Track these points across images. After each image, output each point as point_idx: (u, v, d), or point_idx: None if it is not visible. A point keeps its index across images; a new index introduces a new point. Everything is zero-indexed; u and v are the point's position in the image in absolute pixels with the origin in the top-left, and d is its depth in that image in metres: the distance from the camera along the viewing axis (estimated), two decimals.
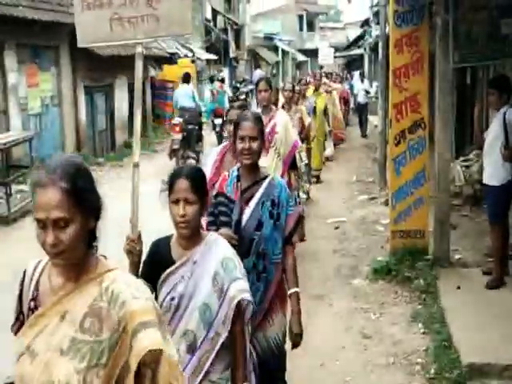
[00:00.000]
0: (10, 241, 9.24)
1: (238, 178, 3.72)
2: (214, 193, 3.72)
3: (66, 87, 15.65)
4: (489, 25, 6.58)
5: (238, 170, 3.76)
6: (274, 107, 6.71)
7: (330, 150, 15.18)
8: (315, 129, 11.24)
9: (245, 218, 3.59)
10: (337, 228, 9.52)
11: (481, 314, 5.76)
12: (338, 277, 7.44)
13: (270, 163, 5.98)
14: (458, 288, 6.40)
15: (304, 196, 9.19)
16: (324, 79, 17.53)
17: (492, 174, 6.35)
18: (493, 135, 6.37)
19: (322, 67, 31.05)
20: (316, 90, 13.35)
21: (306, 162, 8.78)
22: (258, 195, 3.62)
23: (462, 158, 10.07)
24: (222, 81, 23.07)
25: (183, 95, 16.14)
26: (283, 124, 6.46)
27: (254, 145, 3.57)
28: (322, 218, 10.02)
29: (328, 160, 15.03)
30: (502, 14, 6.50)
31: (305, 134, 9.05)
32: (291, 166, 6.61)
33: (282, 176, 6.24)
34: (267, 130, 6.09)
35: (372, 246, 8.42)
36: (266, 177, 3.68)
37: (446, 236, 7.13)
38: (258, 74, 20.19)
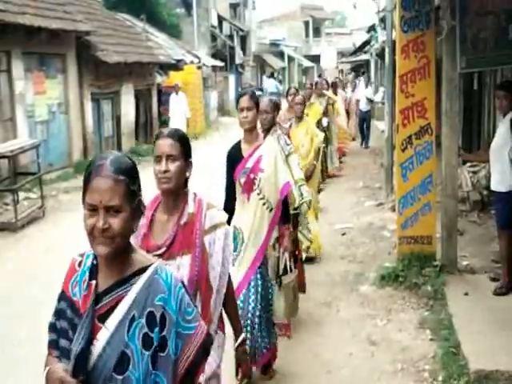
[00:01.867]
0: (18, 248, 9.27)
1: (94, 269, 2.13)
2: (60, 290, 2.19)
3: (73, 94, 15.71)
4: (496, 30, 6.54)
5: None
6: (260, 132, 5.07)
7: (334, 166, 14.11)
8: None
9: (97, 348, 2.01)
10: (344, 234, 9.50)
11: (489, 320, 5.72)
12: (345, 283, 7.42)
13: (252, 212, 4.81)
14: (466, 294, 6.36)
15: (307, 243, 7.51)
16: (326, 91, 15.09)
17: (499, 180, 6.30)
18: (500, 141, 6.33)
19: (320, 75, 30.47)
20: (308, 99, 10.89)
21: (309, 197, 6.21)
22: (123, 306, 2.03)
23: (469, 164, 10.04)
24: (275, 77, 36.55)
25: (270, 84, 32.81)
26: (271, 156, 4.87)
27: (115, 221, 2.00)
28: (328, 224, 9.99)
29: (332, 176, 14.08)
30: (510, 18, 6.47)
31: None
32: (283, 217, 4.98)
33: (270, 232, 4.90)
34: (249, 165, 4.80)
35: (379, 252, 8.38)
36: (144, 269, 2.08)
37: (454, 242, 7.10)
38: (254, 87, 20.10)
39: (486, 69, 9.47)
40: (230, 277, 3.12)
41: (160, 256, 2.75)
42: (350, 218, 10.48)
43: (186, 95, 22.34)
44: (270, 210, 4.85)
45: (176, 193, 2.96)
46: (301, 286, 6.19)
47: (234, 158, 4.89)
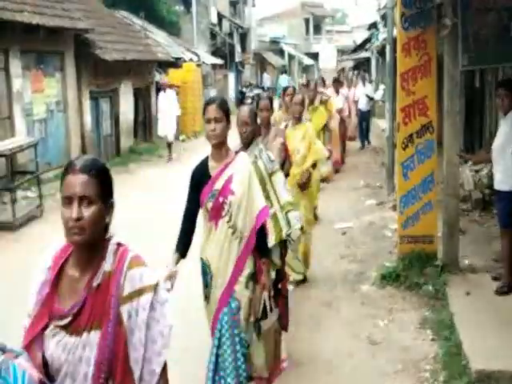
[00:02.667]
0: (16, 247, 9.22)
1: None
2: None
3: (71, 92, 15.65)
4: (498, 27, 6.50)
5: None
6: (230, 148, 4.29)
7: (326, 169, 12.16)
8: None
9: None
10: (344, 233, 9.46)
11: (490, 320, 5.69)
12: (346, 283, 7.38)
13: (220, 243, 4.11)
14: (467, 294, 6.33)
15: (298, 277, 6.76)
16: (321, 88, 14.07)
17: (502, 179, 6.27)
18: (502, 140, 6.29)
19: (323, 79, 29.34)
20: (311, 103, 10.37)
21: (299, 225, 5.16)
22: None
23: (470, 163, 9.99)
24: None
25: (283, 80, 35.69)
26: (245, 176, 4.13)
27: None
28: (329, 223, 9.97)
29: (323, 181, 11.96)
30: None
31: (286, 170, 5.96)
32: (260, 250, 4.26)
33: (238, 268, 4.15)
34: (218, 186, 4.08)
35: (380, 251, 8.35)
36: None
37: (455, 241, 7.06)
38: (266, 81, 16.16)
39: (488, 66, 9.41)
40: (165, 369, 2.26)
41: (64, 328, 2.17)
42: (350, 217, 10.44)
43: (185, 93, 22.32)
44: (241, 241, 4.12)
45: (91, 244, 2.22)
46: (283, 325, 5.13)
47: (200, 178, 4.16)
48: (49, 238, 9.18)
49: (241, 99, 33.13)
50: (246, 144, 4.89)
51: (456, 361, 5.11)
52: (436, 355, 5.39)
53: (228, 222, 4.06)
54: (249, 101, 31.20)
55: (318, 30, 61.46)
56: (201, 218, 4.29)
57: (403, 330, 5.99)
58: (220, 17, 34.99)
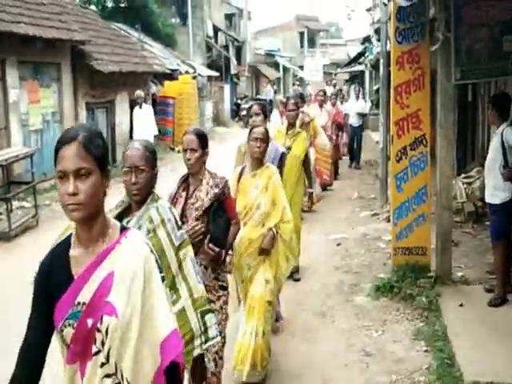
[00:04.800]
0: (11, 257, 9.21)
1: None
2: None
3: (67, 103, 15.68)
4: (491, 42, 6.57)
5: None
6: (111, 219, 2.32)
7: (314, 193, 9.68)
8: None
9: None
10: (338, 244, 9.47)
11: (484, 331, 5.71)
12: (340, 294, 7.39)
13: None
14: (461, 305, 6.35)
15: None
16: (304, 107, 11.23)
17: (494, 192, 6.32)
18: (492, 154, 6.36)
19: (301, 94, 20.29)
20: (291, 126, 7.86)
21: (218, 337, 3.45)
22: None
23: (463, 175, 10.05)
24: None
25: (310, 88, 33.30)
26: (137, 277, 2.16)
27: None
28: (323, 234, 9.98)
29: (307, 211, 10.55)
30: (504, 31, 6.50)
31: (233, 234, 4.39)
32: None
33: None
34: (83, 297, 2.14)
35: (374, 262, 8.37)
36: None
37: (448, 253, 7.09)
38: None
39: (481, 81, 9.50)
40: None
41: None
42: (345, 228, 10.46)
43: (181, 105, 22.32)
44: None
45: None
46: None
47: (54, 280, 2.22)
48: (44, 248, 9.21)
49: (236, 111, 33.27)
50: (139, 201, 3.30)
51: (449, 372, 5.12)
52: (429, 366, 5.39)
53: (103, 365, 2.13)
54: (244, 112, 31.37)
55: (312, 43, 61.69)
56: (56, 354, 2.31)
57: (397, 342, 5.99)
58: (216, 30, 35.10)
